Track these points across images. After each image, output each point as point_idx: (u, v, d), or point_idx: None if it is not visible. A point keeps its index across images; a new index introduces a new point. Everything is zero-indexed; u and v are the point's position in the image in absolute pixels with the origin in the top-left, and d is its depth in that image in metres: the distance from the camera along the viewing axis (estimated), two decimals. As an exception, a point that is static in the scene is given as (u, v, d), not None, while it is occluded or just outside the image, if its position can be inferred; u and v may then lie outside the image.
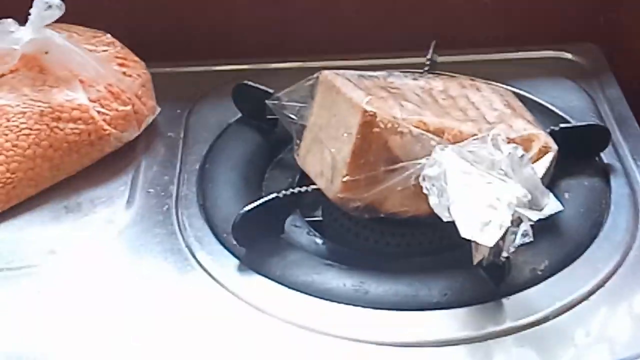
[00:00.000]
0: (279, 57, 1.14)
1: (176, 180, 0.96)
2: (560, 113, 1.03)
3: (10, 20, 0.97)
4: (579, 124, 0.97)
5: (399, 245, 0.88)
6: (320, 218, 0.93)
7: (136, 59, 1.03)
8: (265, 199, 0.85)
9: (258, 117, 1.01)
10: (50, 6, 0.92)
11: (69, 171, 0.95)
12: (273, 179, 0.98)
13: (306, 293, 0.81)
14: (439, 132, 0.84)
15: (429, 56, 1.03)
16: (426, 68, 1.02)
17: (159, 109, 1.01)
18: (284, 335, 0.78)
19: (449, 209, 0.74)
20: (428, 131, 0.83)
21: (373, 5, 1.18)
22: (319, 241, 0.90)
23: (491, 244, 0.71)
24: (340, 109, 0.87)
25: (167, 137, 1.02)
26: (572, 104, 1.04)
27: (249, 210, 0.84)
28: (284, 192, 0.86)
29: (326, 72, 0.91)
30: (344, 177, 0.83)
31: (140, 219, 0.91)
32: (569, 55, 1.14)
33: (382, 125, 0.83)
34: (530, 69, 1.11)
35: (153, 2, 1.13)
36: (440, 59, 1.03)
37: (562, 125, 0.94)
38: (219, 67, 1.13)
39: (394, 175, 0.83)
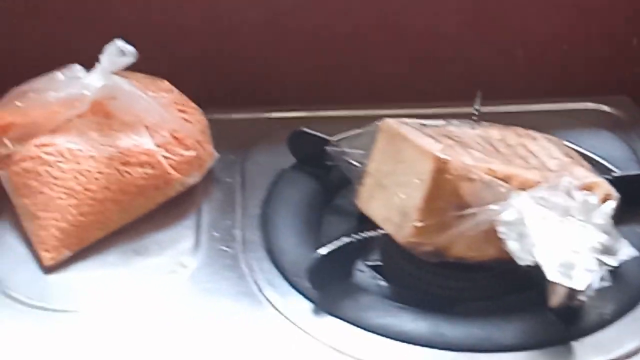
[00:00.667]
0: (324, 106, 1.16)
1: (239, 224, 0.98)
2: (604, 163, 1.06)
3: (78, 66, 0.99)
4: (632, 173, 1.00)
5: (462, 289, 0.90)
6: (379, 262, 0.94)
7: (194, 105, 1.05)
8: (340, 243, 0.87)
9: (313, 163, 1.04)
10: (123, 53, 0.93)
11: (136, 214, 0.96)
12: (330, 224, 1.01)
13: (383, 335, 0.83)
14: (506, 179, 0.87)
15: (476, 106, 1.06)
16: (474, 117, 1.05)
17: (217, 155, 1.04)
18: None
19: (530, 253, 0.77)
20: (496, 178, 0.86)
21: (407, 57, 1.21)
22: (383, 284, 0.92)
23: (582, 288, 0.74)
24: (407, 155, 0.90)
25: (224, 182, 1.04)
26: (613, 154, 1.08)
27: (325, 255, 0.86)
28: (355, 236, 0.88)
29: (389, 120, 0.94)
30: (416, 222, 0.86)
31: (209, 261, 0.93)
32: (605, 108, 1.17)
33: (454, 172, 0.85)
34: (569, 120, 1.15)
35: (206, 52, 1.15)
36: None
37: (615, 174, 0.97)
38: (270, 114, 1.15)
39: (464, 220, 0.85)
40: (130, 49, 0.95)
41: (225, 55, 1.17)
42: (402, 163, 0.90)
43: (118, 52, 0.94)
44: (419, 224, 0.86)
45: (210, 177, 1.04)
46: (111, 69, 0.96)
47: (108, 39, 0.99)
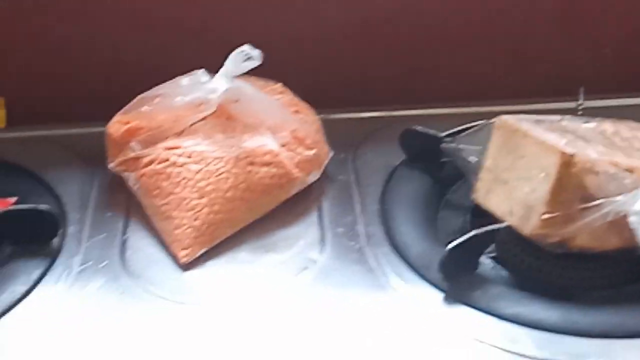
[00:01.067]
0: (425, 104, 1.20)
1: (360, 220, 1.01)
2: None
3: (201, 71, 1.03)
4: None
5: (582, 278, 0.94)
6: (500, 254, 0.98)
7: (307, 106, 1.09)
8: (468, 236, 0.91)
9: (424, 159, 1.07)
10: (249, 57, 0.97)
11: (262, 212, 1.00)
12: (445, 219, 1.04)
13: (517, 323, 0.86)
14: (630, 171, 0.89)
15: (580, 101, 1.10)
16: (580, 112, 1.08)
17: (331, 153, 1.07)
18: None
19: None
20: (621, 170, 0.89)
21: (499, 56, 1.25)
22: (506, 275, 0.95)
23: None
24: (529, 151, 0.93)
25: (338, 180, 1.08)
26: None
27: (454, 247, 0.89)
28: (481, 230, 0.91)
29: (506, 117, 0.97)
30: (543, 214, 0.89)
31: (336, 256, 0.96)
32: None
33: (579, 166, 0.89)
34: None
35: (315, 55, 1.19)
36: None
37: None
38: (371, 113, 1.19)
39: (590, 212, 0.88)
40: (256, 53, 0.98)
41: (332, 57, 1.20)
42: (523, 158, 0.94)
43: (244, 57, 0.98)
44: (546, 216, 0.89)
45: (324, 175, 1.07)
46: (235, 73, 1.00)
47: (223, 47, 1.03)
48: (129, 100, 1.07)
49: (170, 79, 1.07)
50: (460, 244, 0.90)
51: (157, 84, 1.07)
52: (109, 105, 1.07)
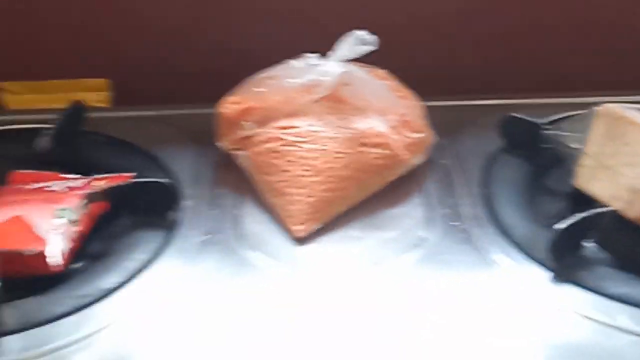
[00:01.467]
0: (518, 94, 1.24)
1: (463, 202, 1.05)
2: None
3: (311, 54, 1.07)
4: None
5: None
6: (603, 237, 1.01)
7: (410, 92, 1.13)
8: (576, 218, 0.94)
9: (523, 146, 1.10)
10: (365, 42, 1.01)
11: (371, 192, 1.04)
12: (542, 204, 1.07)
13: (625, 302, 0.90)
14: None
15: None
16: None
17: (435, 137, 1.11)
18: (605, 338, 0.87)
19: None
20: None
21: (591, 49, 1.29)
22: (609, 257, 0.98)
23: None
24: (634, 138, 0.96)
25: (440, 164, 1.11)
26: None
27: (564, 228, 0.93)
28: (588, 213, 0.95)
29: (609, 105, 1.01)
30: (649, 199, 0.93)
31: (443, 236, 1.00)
32: None
33: (685, 153, 0.92)
34: None
35: (417, 40, 1.24)
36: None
37: None
38: (469, 101, 1.23)
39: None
40: (372, 38, 1.02)
41: (433, 45, 1.25)
42: (627, 145, 0.97)
43: (359, 41, 1.02)
44: (653, 201, 0.92)
45: (428, 159, 1.11)
46: (349, 57, 1.04)
47: (331, 31, 1.07)
48: (236, 82, 1.11)
49: (277, 61, 1.11)
50: (568, 225, 0.93)
51: (263, 66, 1.11)
52: (218, 86, 1.11)
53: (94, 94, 1.31)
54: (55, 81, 1.31)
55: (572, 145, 1.04)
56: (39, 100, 1.31)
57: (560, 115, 1.10)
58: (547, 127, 1.08)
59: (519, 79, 1.27)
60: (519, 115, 1.10)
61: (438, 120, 1.15)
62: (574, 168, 1.03)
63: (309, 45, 1.10)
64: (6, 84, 1.31)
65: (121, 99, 1.32)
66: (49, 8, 1.26)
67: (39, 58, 1.30)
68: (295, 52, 1.11)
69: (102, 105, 1.32)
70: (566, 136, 1.05)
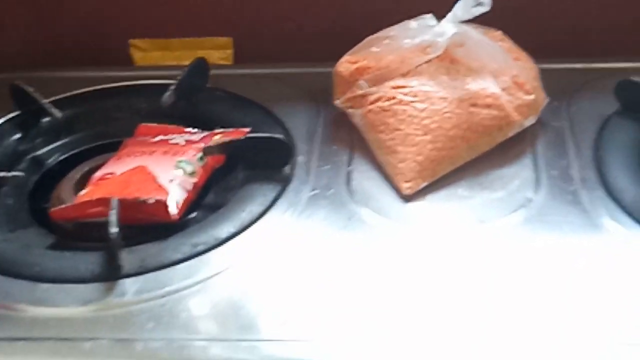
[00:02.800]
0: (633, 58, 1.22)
1: (574, 164, 1.05)
2: None
3: (429, 15, 1.08)
4: None
5: None
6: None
7: (525, 53, 1.13)
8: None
9: (638, 110, 1.09)
10: (479, 3, 1.02)
11: (480, 152, 1.05)
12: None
13: None
14: None
15: None
16: None
17: (548, 99, 1.11)
18: None
19: None
20: None
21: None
22: None
23: None
24: None
25: (552, 126, 1.12)
26: None
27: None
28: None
29: None
30: None
31: (551, 197, 1.01)
32: None
33: None
34: None
35: (535, 1, 1.23)
36: None
37: None
38: (586, 64, 1.22)
39: None
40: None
41: (546, 6, 1.24)
42: None
43: (474, 2, 1.02)
44: None
45: (539, 121, 1.11)
46: (463, 18, 1.05)
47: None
48: (355, 43, 1.13)
49: (392, 23, 1.13)
50: (676, 191, 0.92)
51: (381, 27, 1.13)
52: (332, 45, 1.14)
53: (218, 52, 1.36)
54: (181, 39, 1.36)
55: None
56: (166, 57, 1.37)
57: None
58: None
59: (635, 42, 1.24)
60: (635, 79, 1.09)
61: (554, 83, 1.15)
62: (690, 133, 1.01)
63: (429, 5, 1.11)
64: (135, 41, 1.36)
65: (244, 57, 1.35)
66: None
67: (166, 16, 1.35)
68: (414, 13, 1.12)
69: (226, 62, 1.36)
70: (683, 101, 1.03)
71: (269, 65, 1.28)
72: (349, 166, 1.07)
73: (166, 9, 1.35)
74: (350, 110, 1.10)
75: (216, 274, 0.93)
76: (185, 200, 1.00)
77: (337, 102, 1.12)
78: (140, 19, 1.35)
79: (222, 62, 1.36)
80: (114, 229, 0.92)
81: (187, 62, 1.21)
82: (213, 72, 1.24)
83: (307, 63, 1.25)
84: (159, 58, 1.36)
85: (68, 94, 1.23)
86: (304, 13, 1.31)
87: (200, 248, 0.96)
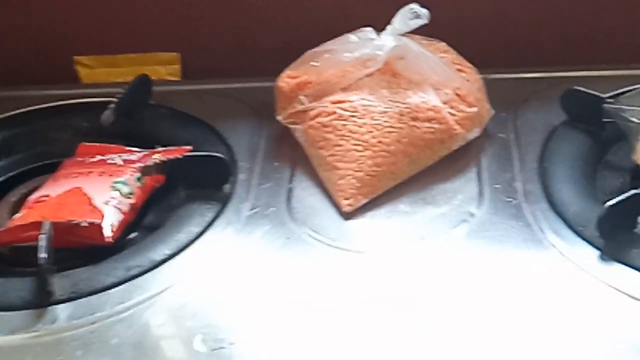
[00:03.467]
0: (587, 66, 1.20)
1: (518, 177, 1.03)
2: None
3: (369, 28, 1.07)
4: None
5: None
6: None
7: (469, 65, 1.11)
8: (627, 195, 0.91)
9: (585, 120, 1.08)
10: (417, 15, 1.00)
11: (422, 166, 1.04)
12: (604, 179, 1.05)
13: (675, 282, 0.87)
14: None
15: None
16: None
17: (493, 111, 1.09)
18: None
19: None
20: None
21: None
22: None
23: None
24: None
25: (498, 138, 1.10)
26: None
27: (613, 205, 0.90)
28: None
29: (670, 78, 0.97)
30: None
31: (494, 211, 0.99)
32: None
33: None
34: None
35: (480, 12, 1.23)
36: None
37: None
38: (533, 74, 1.20)
39: None
40: (424, 11, 1.01)
41: (492, 16, 1.22)
42: (688, 120, 0.94)
43: (412, 15, 1.01)
44: None
45: (485, 133, 1.10)
46: (402, 31, 1.03)
47: (390, 5, 1.06)
48: (299, 56, 1.11)
49: (336, 36, 1.11)
50: (619, 202, 0.91)
51: (325, 41, 1.11)
52: (279, 60, 1.12)
53: (165, 68, 1.34)
54: (127, 55, 1.34)
55: (634, 120, 1.00)
56: (112, 74, 1.35)
57: (625, 89, 1.06)
58: (610, 100, 1.04)
59: (583, 50, 1.23)
60: (580, 89, 1.08)
61: (499, 93, 1.13)
62: (635, 143, 0.99)
63: (373, 18, 1.09)
64: (80, 58, 1.34)
65: (192, 72, 1.33)
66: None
67: (112, 32, 1.33)
68: (355, 26, 1.10)
69: (174, 78, 1.34)
70: (629, 110, 1.02)
71: (215, 80, 1.26)
72: (290, 183, 1.05)
73: (112, 25, 1.33)
74: (292, 126, 1.08)
75: (149, 298, 0.91)
76: (121, 223, 0.98)
77: (279, 118, 1.10)
78: (86, 35, 1.33)
79: (169, 78, 1.33)
80: (43, 254, 0.90)
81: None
82: (159, 88, 1.22)
83: (253, 78, 1.23)
84: (105, 75, 1.34)
85: (7, 114, 1.20)
86: (250, 27, 1.29)
87: (135, 271, 0.93)
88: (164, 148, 1.09)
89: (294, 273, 0.93)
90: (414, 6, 1.01)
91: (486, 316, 0.86)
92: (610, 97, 1.05)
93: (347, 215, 1.00)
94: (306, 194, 1.04)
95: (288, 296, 0.90)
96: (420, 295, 0.90)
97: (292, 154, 1.09)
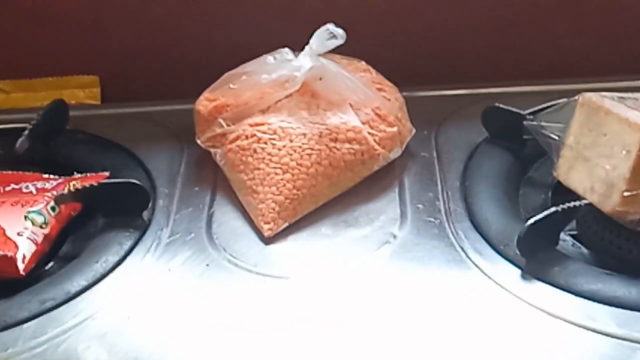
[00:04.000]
0: (508, 82, 1.20)
1: (440, 196, 1.02)
2: None
3: (286, 49, 1.05)
4: None
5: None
6: (579, 231, 0.98)
7: (390, 84, 1.10)
8: (547, 212, 0.91)
9: (506, 137, 1.08)
10: (334, 36, 0.99)
11: (344, 188, 1.03)
12: (526, 195, 1.05)
13: (594, 300, 0.87)
14: None
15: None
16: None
17: (414, 130, 1.08)
18: (575, 337, 0.84)
19: None
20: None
21: (587, 31, 1.25)
22: (585, 252, 0.95)
23: None
24: (612, 129, 0.93)
25: (421, 157, 1.09)
26: None
27: (533, 223, 0.90)
28: (562, 207, 0.92)
29: (588, 94, 0.97)
30: (624, 191, 0.89)
31: (416, 232, 0.98)
32: None
33: (661, 143, 0.88)
34: None
35: (396, 32, 1.21)
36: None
37: None
38: (458, 91, 1.20)
39: (671, 190, 0.88)
40: (340, 32, 1.00)
41: (413, 34, 1.22)
42: (604, 136, 0.94)
43: (328, 35, 1.00)
44: (627, 194, 0.89)
45: (407, 152, 1.09)
46: (319, 51, 1.02)
47: (307, 25, 1.05)
48: (218, 77, 1.09)
49: (257, 56, 1.09)
50: (540, 220, 0.90)
51: (244, 62, 1.09)
52: (198, 81, 1.10)
53: (84, 91, 1.32)
54: (45, 79, 1.31)
55: (554, 136, 1.00)
56: (30, 99, 1.32)
57: (545, 105, 1.06)
58: (530, 117, 1.04)
59: (501, 67, 1.23)
60: (501, 106, 1.07)
61: (420, 111, 1.13)
62: (555, 159, 0.99)
63: (290, 38, 1.08)
64: (-4, 83, 1.31)
65: (111, 95, 1.31)
66: (39, 4, 1.26)
67: (29, 55, 1.30)
68: (273, 46, 1.09)
69: (93, 102, 1.31)
70: (549, 126, 1.01)
71: (134, 104, 1.23)
72: (210, 208, 1.03)
73: (28, 47, 1.30)
74: (212, 149, 1.06)
75: (65, 332, 0.88)
76: (35, 254, 0.95)
77: (199, 141, 1.08)
78: (1, 58, 1.29)
79: (89, 102, 1.31)
80: (-49, 290, 0.87)
81: (52, 103, 1.16)
82: (77, 113, 1.20)
83: (173, 100, 1.21)
84: (22, 100, 1.31)
85: None
86: (169, 49, 1.27)
87: (49, 304, 0.91)
88: (81, 175, 1.06)
89: (215, 300, 0.91)
90: (330, 26, 1.00)
91: (411, 337, 0.86)
92: (530, 114, 1.04)
93: (269, 240, 0.98)
94: (227, 219, 1.02)
95: (209, 324, 0.89)
96: (344, 319, 0.88)
97: (213, 178, 1.07)
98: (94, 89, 1.31)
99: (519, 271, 0.91)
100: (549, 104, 1.05)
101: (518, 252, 0.91)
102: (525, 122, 1.03)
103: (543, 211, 0.92)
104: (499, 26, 1.23)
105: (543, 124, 1.02)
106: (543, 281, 0.90)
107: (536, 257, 0.91)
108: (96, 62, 1.30)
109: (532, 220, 0.90)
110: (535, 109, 1.06)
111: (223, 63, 1.10)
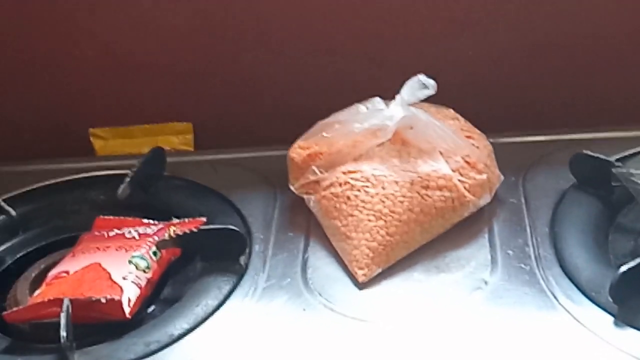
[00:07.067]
0: (596, 128, 1.22)
1: (530, 242, 1.04)
2: None
3: (378, 98, 1.09)
4: None
5: None
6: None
7: (478, 131, 1.13)
8: (638, 260, 0.92)
9: (594, 183, 1.09)
10: (425, 86, 1.02)
11: (435, 234, 1.05)
12: (616, 242, 1.06)
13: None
14: None
15: None
16: None
17: (502, 177, 1.11)
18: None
19: None
20: None
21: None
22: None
23: None
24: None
25: (509, 203, 1.11)
26: None
27: (626, 271, 0.91)
28: (653, 255, 0.93)
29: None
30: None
31: (507, 278, 1.00)
32: None
33: None
34: None
35: (482, 79, 1.24)
36: None
37: None
38: (546, 137, 1.22)
39: None
40: (432, 82, 1.03)
41: (499, 81, 1.24)
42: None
43: (419, 85, 1.03)
44: None
45: (496, 198, 1.11)
46: (410, 101, 1.05)
47: (398, 74, 1.08)
48: (309, 123, 1.13)
49: (346, 103, 1.13)
50: (633, 267, 0.92)
51: (334, 109, 1.13)
52: (290, 128, 1.14)
53: (178, 138, 1.36)
54: (141, 126, 1.36)
55: (643, 183, 1.02)
56: (126, 145, 1.37)
57: (633, 151, 1.07)
58: (618, 164, 1.06)
59: (587, 112, 1.25)
60: (589, 153, 1.09)
61: (507, 158, 1.14)
62: (645, 207, 1.01)
63: (381, 87, 1.12)
64: (95, 130, 1.37)
65: (205, 142, 1.35)
66: (135, 55, 1.31)
67: (126, 103, 1.35)
68: (364, 93, 1.12)
69: (187, 148, 1.36)
70: (637, 173, 1.03)
71: (227, 150, 1.28)
72: (305, 253, 1.06)
73: (125, 96, 1.35)
74: (305, 196, 1.10)
75: (169, 374, 0.91)
76: (139, 297, 0.99)
77: (292, 188, 1.11)
78: (100, 107, 1.35)
79: (183, 148, 1.35)
80: (63, 333, 0.91)
81: (148, 150, 1.21)
82: (172, 159, 1.24)
83: (265, 146, 1.25)
84: (119, 146, 1.37)
85: (23, 189, 1.22)
86: (260, 97, 1.31)
87: (154, 347, 0.95)
88: (179, 220, 1.10)
89: (313, 344, 0.94)
90: (422, 77, 1.03)
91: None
92: (618, 160, 1.06)
93: (362, 285, 1.00)
94: (321, 264, 1.05)
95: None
96: (437, 363, 0.90)
97: (306, 224, 1.10)
98: (188, 135, 1.36)
99: (611, 318, 0.92)
100: (637, 149, 1.06)
101: (610, 299, 0.92)
102: (613, 169, 1.04)
103: (634, 258, 0.93)
104: (584, 72, 1.25)
105: (632, 171, 1.03)
106: (636, 328, 0.90)
107: (628, 304, 0.92)
108: (190, 109, 1.34)
109: (625, 267, 0.91)
110: (624, 154, 1.08)
111: (312, 110, 1.14)
